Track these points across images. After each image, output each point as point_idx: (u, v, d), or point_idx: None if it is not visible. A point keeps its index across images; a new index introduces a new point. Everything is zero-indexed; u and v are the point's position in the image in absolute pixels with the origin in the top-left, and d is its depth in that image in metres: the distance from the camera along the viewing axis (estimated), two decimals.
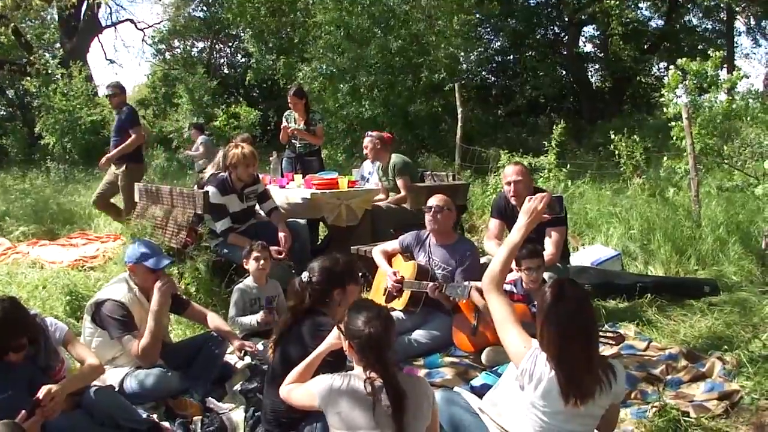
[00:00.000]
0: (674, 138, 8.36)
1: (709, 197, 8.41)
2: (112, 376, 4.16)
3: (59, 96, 18.93)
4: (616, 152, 10.05)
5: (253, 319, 4.94)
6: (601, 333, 3.94)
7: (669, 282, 6.39)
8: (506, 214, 5.54)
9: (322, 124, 8.79)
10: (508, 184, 5.35)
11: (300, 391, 2.96)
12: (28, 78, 19.79)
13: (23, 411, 3.07)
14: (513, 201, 5.37)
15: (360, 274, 3.94)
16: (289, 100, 8.48)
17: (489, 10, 19.56)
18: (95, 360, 3.70)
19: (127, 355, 4.16)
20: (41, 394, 3.16)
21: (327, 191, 6.76)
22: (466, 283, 4.72)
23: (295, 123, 8.37)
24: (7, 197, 12.28)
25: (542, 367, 2.76)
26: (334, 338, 3.11)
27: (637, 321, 5.44)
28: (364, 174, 8.11)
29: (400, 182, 7.26)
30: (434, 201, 5.25)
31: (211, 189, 6.00)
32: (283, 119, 8.63)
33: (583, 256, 7.09)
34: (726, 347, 4.75)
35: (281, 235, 5.96)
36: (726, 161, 8.94)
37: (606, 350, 4.78)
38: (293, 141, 8.56)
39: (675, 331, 5.26)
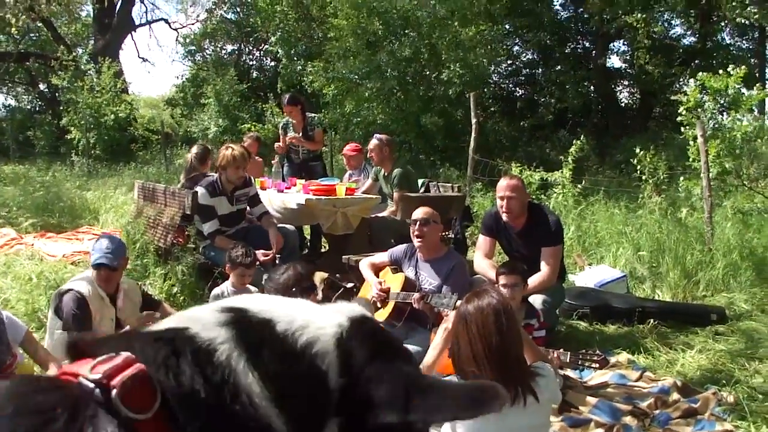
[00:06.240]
0: (691, 159, 8.08)
1: (725, 220, 8.07)
2: None
3: (86, 91, 19.03)
4: (638, 169, 9.78)
5: None
6: (582, 355, 3.73)
7: (674, 308, 6.08)
8: (496, 231, 5.30)
9: (321, 128, 8.58)
10: (501, 198, 5.12)
11: None
12: (60, 72, 19.93)
13: None
14: (504, 217, 5.13)
15: (320, 286, 3.74)
16: (284, 110, 8.33)
17: (518, 22, 19.33)
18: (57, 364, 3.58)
19: None
20: None
21: (323, 198, 6.58)
22: (453, 294, 4.50)
23: (293, 130, 8.19)
24: (26, 188, 12.31)
25: None
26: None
27: (633, 348, 5.17)
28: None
29: (395, 194, 7.07)
30: (419, 214, 5.03)
31: (200, 190, 5.87)
32: (280, 129, 8.46)
33: (588, 277, 6.83)
34: (725, 382, 4.48)
35: (272, 237, 5.80)
36: (746, 183, 8.60)
37: (594, 377, 4.55)
38: (294, 148, 8.39)
39: (673, 361, 4.97)
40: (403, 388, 0.99)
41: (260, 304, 1.07)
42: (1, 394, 0.89)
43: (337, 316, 1.06)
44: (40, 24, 24.56)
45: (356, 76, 16.84)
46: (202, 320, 0.99)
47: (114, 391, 0.85)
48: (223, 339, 0.95)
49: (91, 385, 0.85)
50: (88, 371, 0.87)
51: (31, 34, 27.55)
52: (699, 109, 8.65)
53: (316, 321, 1.03)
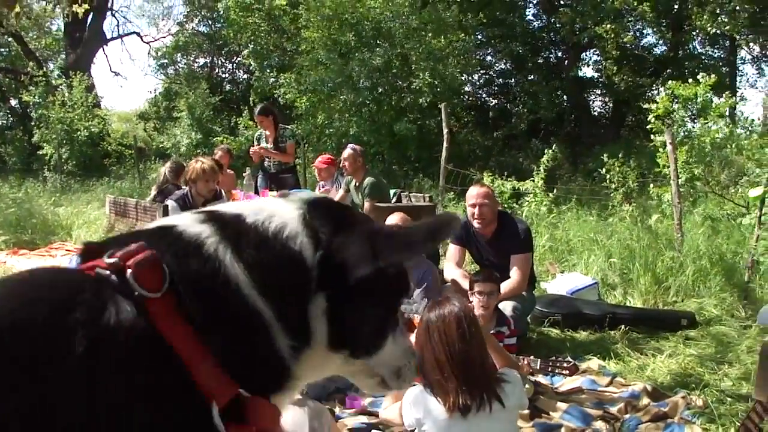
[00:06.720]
0: (661, 166, 8.18)
1: (696, 227, 8.17)
2: None
3: (58, 107, 18.88)
4: (607, 177, 9.90)
5: None
6: (552, 362, 3.78)
7: (644, 314, 6.14)
8: (466, 240, 5.33)
9: (293, 141, 8.59)
10: (473, 206, 5.15)
11: None
12: (31, 88, 19.74)
13: None
14: (476, 224, 5.16)
15: None
16: (256, 119, 8.34)
17: (491, 32, 19.42)
18: None
19: None
20: None
21: None
22: (423, 300, 4.51)
23: (266, 142, 8.19)
24: None
25: (420, 396, 2.78)
26: None
27: (604, 354, 5.21)
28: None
29: (366, 204, 7.08)
30: (393, 219, 5.05)
31: (170, 203, 5.85)
32: (254, 140, 8.47)
33: (560, 284, 6.88)
34: (694, 386, 4.53)
35: None
36: (715, 190, 8.71)
37: (565, 383, 4.58)
38: (265, 160, 8.39)
39: (643, 366, 5.02)
40: (369, 241, 1.09)
41: (224, 206, 1.17)
42: (34, 272, 1.09)
43: (294, 203, 1.15)
44: (9, 39, 24.41)
45: (328, 86, 16.77)
46: (184, 220, 1.09)
47: (129, 271, 0.96)
48: (207, 234, 1.05)
49: (107, 272, 0.97)
50: (106, 258, 0.99)
51: (1, 49, 27.32)
52: (669, 117, 8.76)
53: (278, 209, 1.12)
